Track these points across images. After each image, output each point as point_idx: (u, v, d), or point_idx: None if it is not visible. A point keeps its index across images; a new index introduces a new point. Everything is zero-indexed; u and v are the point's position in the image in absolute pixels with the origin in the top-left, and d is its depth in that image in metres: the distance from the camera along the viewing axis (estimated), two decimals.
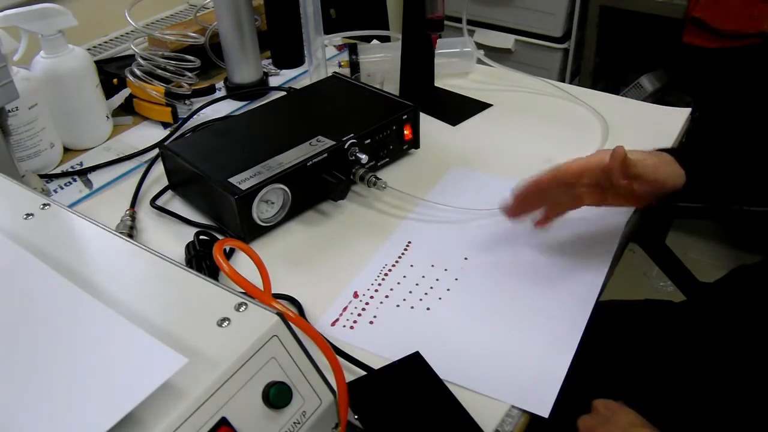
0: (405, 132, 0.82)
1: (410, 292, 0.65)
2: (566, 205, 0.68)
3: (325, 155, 0.73)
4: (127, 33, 1.21)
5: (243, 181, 0.68)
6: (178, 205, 0.78)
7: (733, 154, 0.67)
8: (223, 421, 0.34)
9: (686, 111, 0.92)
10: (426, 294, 0.65)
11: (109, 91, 0.96)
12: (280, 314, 0.38)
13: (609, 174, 0.63)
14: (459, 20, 1.01)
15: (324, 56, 0.98)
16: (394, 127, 0.81)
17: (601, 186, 0.65)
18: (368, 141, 0.77)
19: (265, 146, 0.74)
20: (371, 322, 0.62)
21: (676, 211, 0.79)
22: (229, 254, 0.70)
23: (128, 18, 0.96)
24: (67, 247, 0.44)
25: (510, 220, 0.69)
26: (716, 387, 0.69)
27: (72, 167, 0.87)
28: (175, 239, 0.72)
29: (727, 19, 1.54)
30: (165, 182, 0.80)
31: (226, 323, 0.37)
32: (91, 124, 0.91)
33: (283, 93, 0.98)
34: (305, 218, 0.75)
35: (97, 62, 0.95)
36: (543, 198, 0.67)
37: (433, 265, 0.68)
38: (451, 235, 0.72)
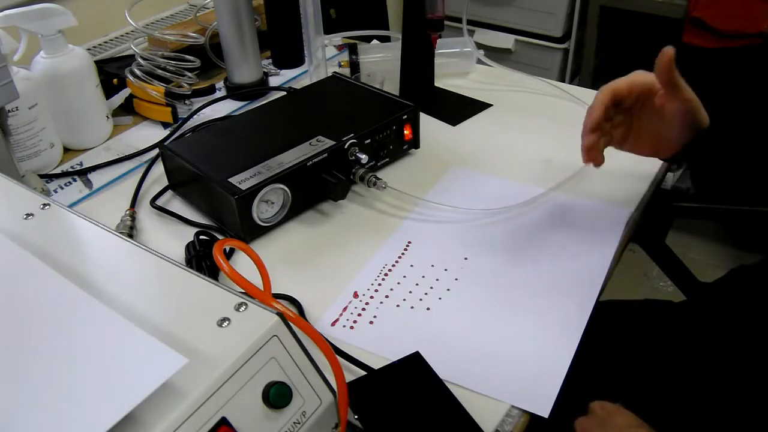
0: (405, 132, 0.82)
1: (410, 292, 0.65)
2: (606, 135, 0.67)
3: (325, 155, 0.73)
4: (127, 33, 1.21)
5: (243, 181, 0.68)
6: (178, 205, 0.78)
7: (733, 154, 0.67)
8: (223, 421, 0.34)
9: None
10: (426, 294, 0.65)
11: (109, 91, 0.96)
12: (280, 314, 0.38)
13: (651, 90, 0.63)
14: (459, 20, 1.01)
15: (324, 56, 0.98)
16: (394, 127, 0.81)
17: (632, 114, 0.66)
18: (368, 141, 0.77)
19: (265, 146, 0.74)
20: (371, 322, 0.62)
21: (676, 211, 0.79)
22: (229, 254, 0.70)
23: (128, 18, 0.96)
24: (67, 247, 0.44)
25: (595, 166, 0.66)
26: (716, 387, 0.69)
27: (72, 167, 0.87)
28: (175, 239, 0.72)
29: (727, 19, 1.54)
30: (165, 182, 0.80)
31: (226, 323, 0.37)
32: (91, 124, 0.91)
33: (283, 93, 0.98)
34: (305, 218, 0.75)
35: (97, 62, 0.95)
36: (605, 123, 0.66)
37: (433, 265, 0.68)
38: (451, 235, 0.72)
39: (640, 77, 0.64)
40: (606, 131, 0.66)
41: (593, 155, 0.66)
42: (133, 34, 1.19)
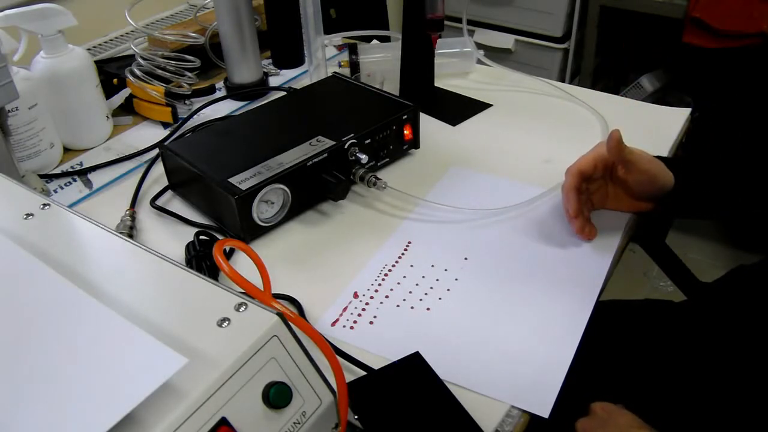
0: (405, 132, 0.82)
1: (410, 292, 0.65)
2: (586, 203, 0.71)
3: (325, 155, 0.73)
4: (127, 33, 1.21)
5: (243, 181, 0.68)
6: (178, 205, 0.78)
7: (733, 155, 0.67)
8: (223, 421, 0.34)
9: (686, 111, 0.92)
10: (426, 294, 0.65)
11: (109, 91, 0.96)
12: (280, 314, 0.38)
13: (608, 163, 0.68)
14: (459, 20, 1.01)
15: (324, 56, 0.98)
16: (394, 127, 0.81)
17: (605, 181, 0.71)
18: (368, 141, 0.77)
19: (265, 146, 0.74)
20: (371, 322, 0.62)
21: (676, 211, 0.79)
22: (229, 254, 0.70)
23: (128, 18, 0.96)
24: (67, 247, 0.44)
25: (579, 230, 0.69)
26: (716, 387, 0.69)
27: (72, 167, 0.87)
28: (175, 239, 0.72)
29: (727, 19, 1.54)
30: (165, 182, 0.80)
31: (226, 323, 0.37)
32: (91, 124, 0.91)
33: (283, 93, 0.98)
34: (305, 218, 0.75)
35: (97, 62, 0.95)
36: (584, 191, 0.70)
37: (433, 265, 0.68)
38: (451, 235, 0.72)
39: (602, 150, 0.68)
40: (584, 201, 0.70)
41: (587, 233, 0.69)
42: (133, 34, 1.19)
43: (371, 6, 1.71)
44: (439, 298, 0.64)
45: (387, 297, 0.64)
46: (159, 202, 0.78)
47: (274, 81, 1.06)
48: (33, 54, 0.85)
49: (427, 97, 0.97)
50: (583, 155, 0.69)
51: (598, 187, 0.72)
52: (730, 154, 0.69)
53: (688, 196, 0.68)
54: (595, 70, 1.92)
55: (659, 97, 1.95)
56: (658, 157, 0.68)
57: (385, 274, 0.67)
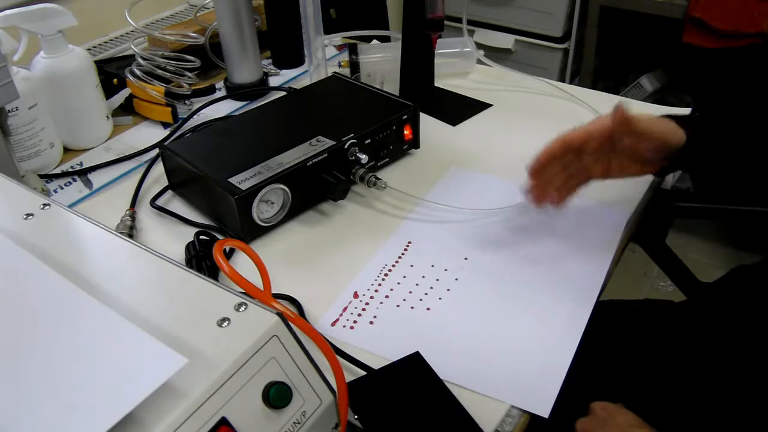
0: (405, 132, 0.82)
1: (410, 292, 0.65)
2: (577, 178, 0.68)
3: (325, 155, 0.73)
4: (127, 33, 1.21)
5: (243, 181, 0.68)
6: (178, 205, 0.78)
7: (733, 155, 0.67)
8: (223, 421, 0.34)
9: (686, 111, 0.92)
10: (426, 294, 0.65)
11: (109, 91, 0.96)
12: (280, 314, 0.38)
13: (612, 136, 0.64)
14: (459, 20, 1.01)
15: (324, 56, 0.98)
16: (394, 127, 0.81)
17: (605, 153, 0.66)
18: (368, 141, 0.77)
19: (265, 146, 0.74)
20: (371, 322, 0.62)
21: (676, 211, 0.79)
22: (229, 254, 0.70)
23: (128, 18, 0.96)
24: (67, 247, 0.44)
25: (536, 207, 0.68)
26: (716, 387, 0.69)
27: (72, 167, 0.87)
28: (175, 239, 0.72)
29: (727, 19, 1.54)
30: (165, 182, 0.80)
31: (226, 323, 0.37)
32: (91, 124, 0.91)
33: (283, 93, 0.98)
34: (305, 218, 0.75)
35: (97, 62, 0.95)
36: (557, 169, 0.67)
37: (433, 265, 0.68)
38: (451, 235, 0.72)
39: (599, 125, 0.65)
40: (587, 166, 0.67)
41: (534, 196, 0.67)
42: (133, 34, 1.19)
43: (371, 6, 1.71)
44: (439, 298, 0.64)
45: (387, 297, 0.64)
46: (159, 202, 0.78)
47: (274, 81, 1.06)
48: (33, 54, 0.85)
49: (427, 97, 0.97)
50: (578, 127, 0.67)
51: (596, 160, 0.67)
52: (732, 153, 0.68)
53: (702, 148, 0.65)
54: (595, 70, 1.92)
55: (659, 97, 1.95)
56: (666, 116, 0.65)
57: (385, 274, 0.67)
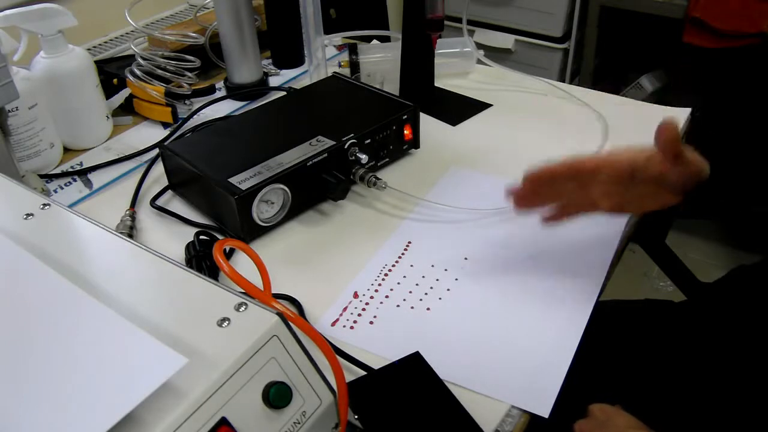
0: (405, 132, 0.82)
1: (410, 292, 0.65)
2: (579, 206, 0.63)
3: (325, 155, 0.73)
4: (127, 33, 1.21)
5: (243, 181, 0.68)
6: (178, 205, 0.78)
7: (733, 155, 0.67)
8: (223, 421, 0.34)
9: (686, 111, 0.92)
10: (426, 294, 0.65)
11: (109, 91, 0.96)
12: (280, 314, 0.38)
13: (636, 170, 0.58)
14: (459, 20, 1.01)
15: (324, 56, 0.98)
16: (394, 127, 0.81)
17: (621, 185, 0.59)
18: (368, 141, 0.77)
19: (265, 146, 0.74)
20: (371, 322, 0.62)
21: (676, 212, 0.79)
22: (229, 254, 0.70)
23: (128, 18, 0.96)
24: (67, 247, 0.44)
25: (516, 212, 0.64)
26: (716, 387, 0.69)
27: (72, 167, 0.87)
28: (175, 239, 0.72)
29: (727, 19, 1.54)
30: (165, 182, 0.80)
31: (226, 323, 0.37)
32: (91, 124, 0.91)
33: (283, 93, 0.98)
34: (305, 218, 0.75)
35: (97, 62, 0.95)
36: (555, 191, 0.62)
37: (433, 265, 0.68)
38: (451, 235, 0.72)
39: (620, 156, 0.59)
40: (594, 199, 0.61)
41: (515, 201, 0.63)
42: (133, 34, 1.19)
43: (371, 6, 1.71)
44: (439, 298, 0.64)
45: (387, 297, 0.64)
46: (159, 202, 0.78)
47: (274, 81, 1.06)
48: (33, 54, 0.85)
49: (427, 97, 0.97)
50: (594, 154, 0.61)
51: (604, 193, 0.61)
52: (731, 153, 0.67)
53: (722, 190, 0.61)
54: (595, 70, 1.92)
55: (659, 97, 1.95)
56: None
57: (385, 274, 0.67)
